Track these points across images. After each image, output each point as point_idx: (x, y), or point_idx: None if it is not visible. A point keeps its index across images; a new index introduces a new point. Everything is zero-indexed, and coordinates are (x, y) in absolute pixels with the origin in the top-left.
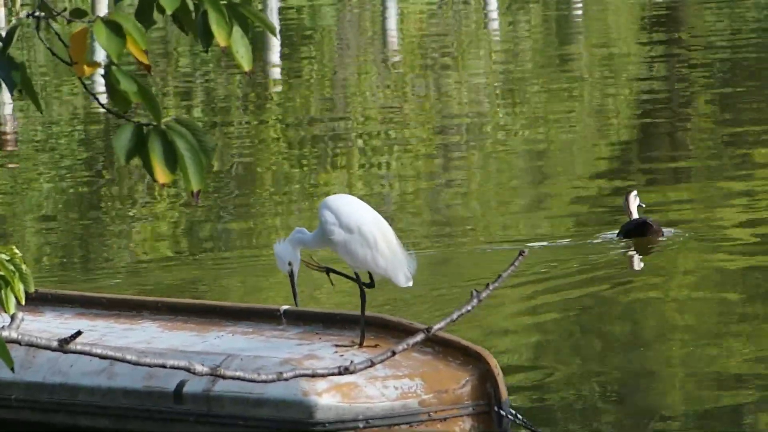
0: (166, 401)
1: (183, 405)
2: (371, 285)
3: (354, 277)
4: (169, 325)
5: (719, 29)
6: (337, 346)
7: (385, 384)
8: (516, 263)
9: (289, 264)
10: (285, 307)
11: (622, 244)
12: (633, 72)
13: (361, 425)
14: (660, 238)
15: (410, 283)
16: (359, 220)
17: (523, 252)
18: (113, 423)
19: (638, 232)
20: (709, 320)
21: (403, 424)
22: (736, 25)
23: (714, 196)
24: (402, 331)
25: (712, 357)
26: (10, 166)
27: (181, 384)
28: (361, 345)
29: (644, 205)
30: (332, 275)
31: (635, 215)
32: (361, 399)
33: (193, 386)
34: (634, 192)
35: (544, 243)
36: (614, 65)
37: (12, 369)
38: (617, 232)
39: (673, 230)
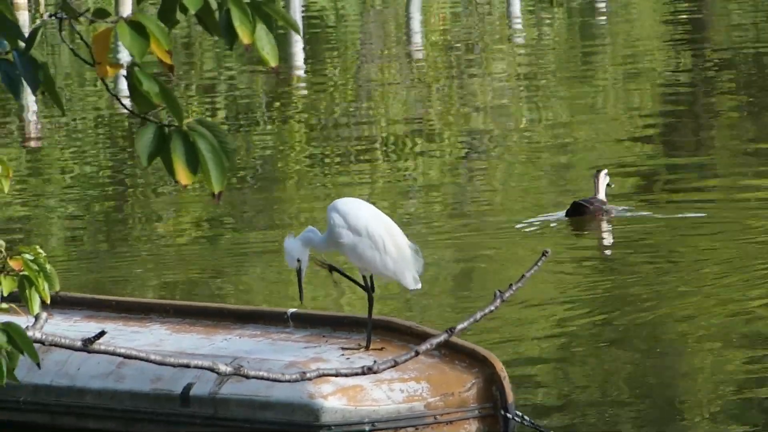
0: (173, 404)
1: (190, 408)
2: (372, 290)
3: (356, 279)
4: (177, 327)
5: (744, 27)
6: (343, 348)
7: (391, 387)
8: (539, 263)
9: (298, 261)
10: (292, 310)
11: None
12: (657, 69)
13: (367, 428)
14: (603, 217)
15: (419, 286)
16: (367, 223)
17: (546, 252)
18: (120, 425)
19: (576, 212)
20: (725, 314)
21: (408, 426)
22: (762, 24)
23: (736, 188)
24: (408, 334)
25: (723, 355)
26: (34, 166)
27: (188, 387)
28: (367, 348)
29: (613, 185)
30: (336, 276)
31: (601, 194)
32: (367, 402)
33: (200, 389)
34: (605, 171)
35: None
36: (638, 63)
37: (38, 365)
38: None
39: (624, 208)
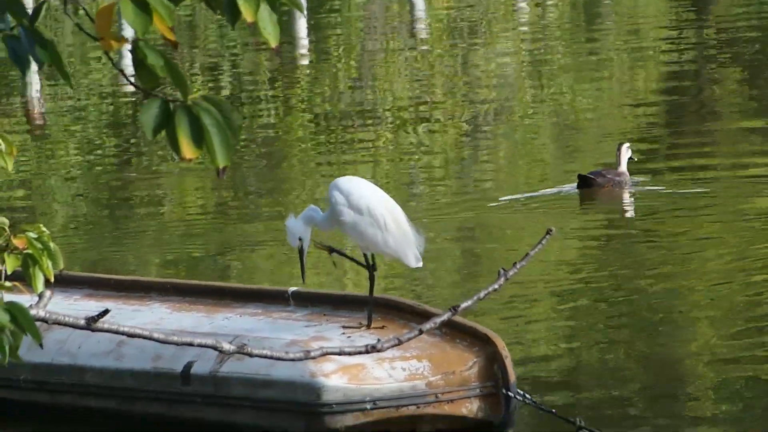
0: (174, 382)
1: (190, 386)
2: (373, 268)
3: (357, 259)
4: (177, 306)
5: (749, 3)
6: (344, 327)
7: (393, 365)
8: (543, 241)
9: (299, 240)
10: (293, 288)
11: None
12: (661, 48)
13: (368, 406)
14: (611, 188)
15: (420, 264)
16: (369, 202)
17: (551, 230)
18: (120, 404)
19: (584, 185)
20: (731, 296)
21: (410, 405)
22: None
23: (738, 164)
24: (409, 313)
25: (730, 332)
26: (38, 144)
27: (189, 365)
28: (368, 326)
29: (635, 159)
30: (336, 257)
31: (623, 166)
32: (368, 380)
33: (201, 367)
34: (627, 144)
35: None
36: (642, 43)
37: (40, 345)
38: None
39: (639, 180)
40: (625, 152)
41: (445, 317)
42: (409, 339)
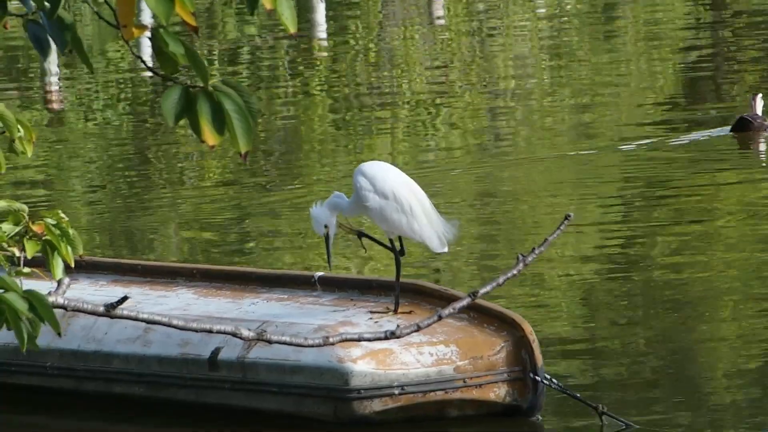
0: (201, 368)
1: (218, 372)
2: (402, 252)
3: (386, 243)
4: (204, 291)
5: None
6: (371, 312)
7: (420, 350)
8: (562, 227)
9: (325, 227)
10: (319, 273)
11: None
12: (679, 35)
13: (396, 392)
14: (765, 133)
15: (446, 249)
16: (394, 186)
17: (569, 215)
18: (147, 390)
19: (740, 128)
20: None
21: (438, 390)
22: None
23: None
24: (437, 298)
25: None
26: (57, 131)
27: (216, 351)
28: (395, 311)
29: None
30: (365, 241)
31: (758, 111)
32: (396, 365)
33: (228, 353)
34: (760, 95)
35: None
36: (661, 30)
37: (59, 334)
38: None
39: None
40: (759, 101)
41: (464, 303)
42: (428, 325)
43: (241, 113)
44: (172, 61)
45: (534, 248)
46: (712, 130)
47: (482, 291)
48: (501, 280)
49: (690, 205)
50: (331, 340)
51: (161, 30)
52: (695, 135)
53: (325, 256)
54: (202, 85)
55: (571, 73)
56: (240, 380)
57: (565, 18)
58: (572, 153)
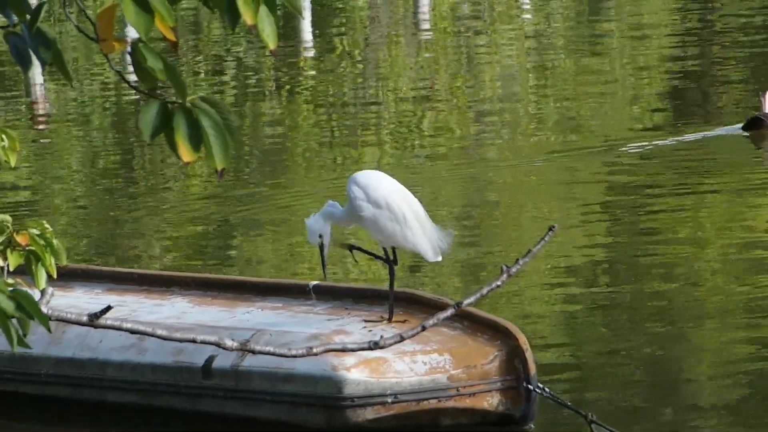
0: (195, 376)
1: (212, 380)
2: (395, 262)
3: (377, 254)
4: (198, 300)
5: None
6: (366, 321)
7: (414, 359)
8: (546, 238)
9: (320, 237)
10: (314, 282)
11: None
12: (665, 42)
13: (389, 400)
14: None
15: (439, 258)
16: (387, 195)
17: (554, 227)
18: (141, 398)
19: (753, 126)
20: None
21: (431, 399)
22: None
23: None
24: (431, 307)
25: (753, 330)
26: (42, 141)
27: (210, 359)
28: (390, 320)
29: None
30: (356, 253)
31: (767, 109)
32: (389, 374)
33: (222, 361)
34: (767, 92)
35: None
36: (646, 36)
37: (48, 330)
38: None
39: None
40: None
41: (448, 313)
42: (412, 336)
43: (219, 130)
44: (151, 76)
45: (518, 259)
46: (724, 128)
47: (466, 302)
48: (485, 290)
49: (678, 214)
50: (314, 350)
51: (140, 44)
52: (707, 133)
53: (319, 266)
54: (180, 100)
55: (556, 77)
56: (234, 388)
57: (554, 24)
58: (558, 158)
